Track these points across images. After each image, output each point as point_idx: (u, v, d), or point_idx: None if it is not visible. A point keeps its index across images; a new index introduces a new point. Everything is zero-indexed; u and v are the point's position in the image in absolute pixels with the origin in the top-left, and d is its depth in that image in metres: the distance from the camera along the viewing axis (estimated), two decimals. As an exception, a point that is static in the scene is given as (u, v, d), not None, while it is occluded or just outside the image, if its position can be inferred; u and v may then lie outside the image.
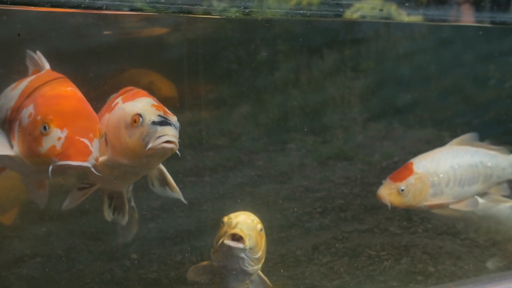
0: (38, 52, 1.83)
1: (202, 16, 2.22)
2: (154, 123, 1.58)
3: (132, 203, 2.31)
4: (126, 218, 2.08)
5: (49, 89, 1.62)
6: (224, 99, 3.28)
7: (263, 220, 1.96)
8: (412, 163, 2.07)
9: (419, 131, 3.83)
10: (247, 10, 2.18)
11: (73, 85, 1.69)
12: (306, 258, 2.59)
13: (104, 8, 1.89)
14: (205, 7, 2.14)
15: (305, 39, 3.34)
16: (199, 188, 2.83)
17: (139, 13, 2.06)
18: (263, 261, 1.91)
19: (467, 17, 2.74)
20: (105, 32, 2.42)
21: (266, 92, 3.42)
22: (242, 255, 1.79)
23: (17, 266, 2.34)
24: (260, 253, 1.85)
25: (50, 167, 1.41)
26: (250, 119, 3.44)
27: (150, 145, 1.55)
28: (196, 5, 2.13)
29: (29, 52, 1.85)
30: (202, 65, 2.49)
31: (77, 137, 1.43)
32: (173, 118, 1.63)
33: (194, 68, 2.52)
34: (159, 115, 1.60)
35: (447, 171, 2.06)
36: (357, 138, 3.68)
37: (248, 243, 1.76)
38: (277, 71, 3.44)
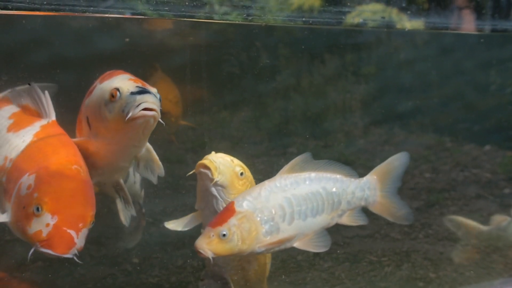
0: (46, 93, 1.68)
1: (205, 21, 2.23)
2: (132, 93, 1.53)
3: (143, 210, 2.31)
4: (133, 208, 2.04)
5: (54, 160, 1.53)
6: (225, 104, 3.29)
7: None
8: (233, 202, 1.69)
9: (420, 137, 3.84)
10: (250, 18, 2.19)
11: (74, 147, 1.62)
12: (307, 264, 2.59)
13: (108, 13, 1.90)
14: (207, 14, 2.16)
15: (306, 44, 3.35)
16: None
17: (142, 17, 2.07)
18: None
19: (468, 24, 2.75)
20: (109, 37, 2.44)
21: (267, 97, 3.43)
22: (214, 191, 1.72)
23: (19, 270, 2.34)
24: None
25: (32, 249, 1.40)
26: (252, 123, 3.45)
27: (130, 114, 1.50)
28: (199, 11, 2.14)
29: (35, 87, 1.68)
30: (204, 70, 2.50)
31: (64, 228, 1.40)
32: (153, 89, 1.58)
33: (196, 72, 2.53)
34: (137, 86, 1.55)
35: (280, 204, 1.71)
36: (358, 143, 3.69)
37: (216, 175, 1.69)
38: (279, 75, 3.46)
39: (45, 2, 1.84)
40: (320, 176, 1.80)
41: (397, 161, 1.88)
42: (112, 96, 1.56)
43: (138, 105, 1.51)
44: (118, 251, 2.56)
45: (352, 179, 1.84)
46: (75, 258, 1.42)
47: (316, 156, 3.62)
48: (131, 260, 2.53)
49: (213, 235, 1.63)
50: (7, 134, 1.66)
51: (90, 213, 1.47)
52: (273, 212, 1.70)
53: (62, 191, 1.46)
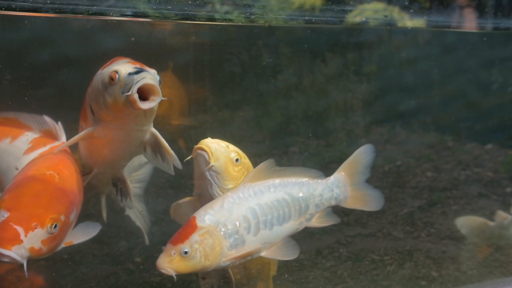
0: (59, 123, 1.85)
1: (207, 23, 2.23)
2: (130, 74, 1.54)
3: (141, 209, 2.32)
4: (133, 202, 2.05)
5: (35, 167, 1.60)
6: (227, 103, 3.29)
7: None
8: (194, 217, 1.62)
9: (422, 136, 3.84)
10: (252, 17, 2.19)
11: (64, 159, 1.68)
12: (310, 263, 2.60)
13: (111, 14, 1.90)
14: (209, 13, 2.16)
15: (308, 43, 3.35)
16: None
17: (146, 20, 2.07)
18: None
19: (470, 23, 2.75)
20: (110, 36, 2.44)
21: (269, 96, 3.44)
22: (208, 175, 1.69)
23: (21, 269, 2.35)
24: (233, 185, 1.73)
25: None
26: (254, 123, 3.45)
27: (129, 92, 1.50)
28: (201, 10, 2.14)
29: (47, 118, 1.86)
30: (206, 69, 2.50)
31: (12, 223, 1.37)
32: (152, 70, 1.59)
33: (198, 72, 2.53)
34: (135, 67, 1.56)
35: (245, 215, 1.64)
36: (359, 142, 3.69)
37: (212, 160, 1.67)
38: (281, 74, 3.46)
39: (48, 1, 1.84)
40: (284, 182, 1.73)
41: (362, 154, 1.85)
42: (111, 79, 1.56)
43: (136, 83, 1.51)
44: (120, 250, 2.57)
45: (319, 181, 1.78)
46: (23, 265, 1.38)
47: (318, 155, 3.63)
48: (133, 259, 2.53)
49: (174, 253, 1.55)
50: (22, 157, 1.77)
51: (50, 215, 1.44)
52: (238, 225, 1.64)
53: (25, 191, 1.47)
